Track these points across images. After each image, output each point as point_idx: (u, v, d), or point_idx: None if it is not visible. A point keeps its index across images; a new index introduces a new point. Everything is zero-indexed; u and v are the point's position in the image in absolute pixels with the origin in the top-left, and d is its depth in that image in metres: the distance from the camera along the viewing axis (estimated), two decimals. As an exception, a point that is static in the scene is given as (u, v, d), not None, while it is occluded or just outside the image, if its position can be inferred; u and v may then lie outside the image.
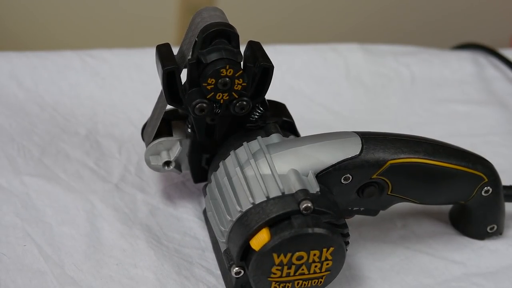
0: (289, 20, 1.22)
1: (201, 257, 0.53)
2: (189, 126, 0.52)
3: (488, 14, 1.21)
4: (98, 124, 0.65)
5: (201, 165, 0.54)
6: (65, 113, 0.66)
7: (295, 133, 0.54)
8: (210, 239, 0.54)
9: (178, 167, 0.54)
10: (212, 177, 0.50)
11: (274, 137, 0.50)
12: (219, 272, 0.52)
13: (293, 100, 0.70)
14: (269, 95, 0.70)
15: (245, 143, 0.50)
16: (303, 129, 0.68)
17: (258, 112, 0.52)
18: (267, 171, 0.47)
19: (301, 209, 0.45)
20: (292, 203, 0.45)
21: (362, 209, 0.51)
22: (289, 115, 0.54)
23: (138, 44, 0.74)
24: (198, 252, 0.53)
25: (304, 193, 0.45)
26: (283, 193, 0.46)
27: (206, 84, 0.47)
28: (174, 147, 0.53)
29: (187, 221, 0.56)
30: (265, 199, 0.45)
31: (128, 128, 0.65)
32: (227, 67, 0.47)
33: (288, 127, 0.54)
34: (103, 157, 0.61)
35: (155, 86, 0.71)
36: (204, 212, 0.56)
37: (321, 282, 0.47)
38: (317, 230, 0.44)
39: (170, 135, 0.53)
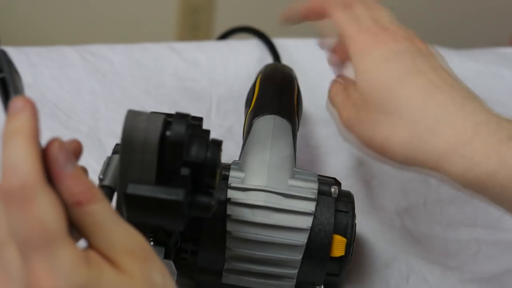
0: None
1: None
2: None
3: (488, 14, 1.21)
4: (99, 121, 0.65)
5: None
6: (66, 109, 0.65)
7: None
8: None
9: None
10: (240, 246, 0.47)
11: (234, 167, 0.49)
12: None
13: (295, 94, 0.70)
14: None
15: (229, 204, 0.46)
16: (306, 123, 0.68)
17: None
18: (279, 201, 0.47)
19: (338, 196, 0.49)
20: (330, 201, 0.48)
21: None
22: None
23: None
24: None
25: (326, 184, 0.49)
26: (313, 198, 0.47)
27: (213, 179, 0.40)
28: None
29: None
30: (310, 214, 0.47)
31: (129, 125, 0.65)
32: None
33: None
34: (105, 156, 0.61)
35: (156, 81, 0.71)
36: None
37: None
38: (351, 196, 0.50)
39: None
